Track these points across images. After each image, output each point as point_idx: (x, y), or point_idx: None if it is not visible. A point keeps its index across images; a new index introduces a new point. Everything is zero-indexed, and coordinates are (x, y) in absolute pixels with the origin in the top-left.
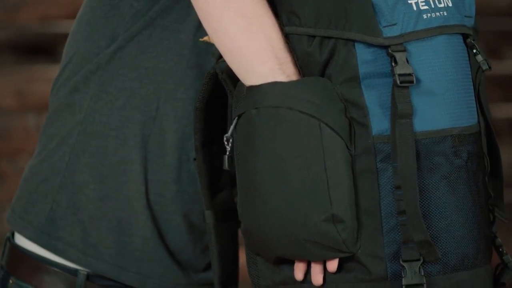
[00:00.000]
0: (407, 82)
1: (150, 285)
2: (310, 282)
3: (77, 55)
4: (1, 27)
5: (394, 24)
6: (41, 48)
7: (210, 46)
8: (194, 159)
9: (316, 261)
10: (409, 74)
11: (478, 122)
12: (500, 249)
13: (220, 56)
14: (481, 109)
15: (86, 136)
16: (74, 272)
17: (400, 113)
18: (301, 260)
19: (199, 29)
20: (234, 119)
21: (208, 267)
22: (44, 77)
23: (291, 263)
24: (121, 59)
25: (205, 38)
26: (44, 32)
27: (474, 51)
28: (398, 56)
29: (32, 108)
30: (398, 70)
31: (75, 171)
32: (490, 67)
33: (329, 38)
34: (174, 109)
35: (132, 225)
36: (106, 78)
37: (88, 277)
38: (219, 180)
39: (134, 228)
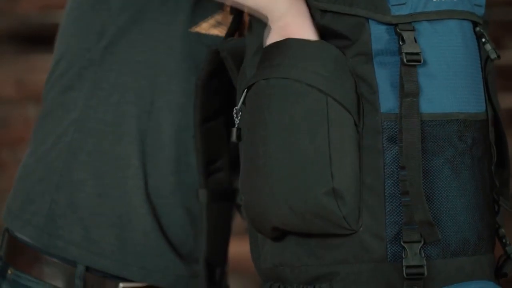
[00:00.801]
0: (414, 61)
1: (153, 279)
2: (308, 264)
3: (68, 51)
4: (2, 17)
5: (403, 4)
6: (42, 38)
7: (202, 37)
8: (193, 136)
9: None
10: (417, 53)
11: (486, 111)
12: (503, 240)
13: (228, 35)
14: (490, 99)
15: (82, 133)
16: (74, 263)
17: (407, 92)
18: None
19: (190, 20)
20: (243, 91)
21: None
22: (44, 67)
23: (290, 244)
24: (113, 54)
25: (196, 29)
26: (45, 22)
27: (483, 40)
28: (406, 34)
29: (32, 98)
30: (405, 48)
31: (72, 169)
32: (499, 56)
33: (343, 14)
34: (169, 102)
35: (132, 220)
36: (99, 74)
37: (88, 268)
38: (217, 160)
39: (134, 223)
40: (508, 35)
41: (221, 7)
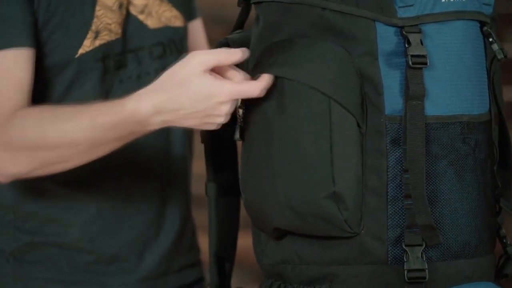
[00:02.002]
0: (420, 64)
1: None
2: (308, 263)
3: None
4: None
5: (411, 5)
6: None
7: (92, 53)
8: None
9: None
10: (423, 56)
11: (490, 111)
12: (504, 240)
13: (235, 28)
14: (495, 99)
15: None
16: None
17: (412, 95)
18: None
19: (72, 47)
20: None
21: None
22: None
23: (291, 243)
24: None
25: (81, 51)
26: None
27: (490, 39)
28: (412, 37)
29: None
30: (411, 51)
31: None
32: (505, 56)
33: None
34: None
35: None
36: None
37: None
38: (223, 154)
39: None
40: (508, 29)
41: (91, 15)
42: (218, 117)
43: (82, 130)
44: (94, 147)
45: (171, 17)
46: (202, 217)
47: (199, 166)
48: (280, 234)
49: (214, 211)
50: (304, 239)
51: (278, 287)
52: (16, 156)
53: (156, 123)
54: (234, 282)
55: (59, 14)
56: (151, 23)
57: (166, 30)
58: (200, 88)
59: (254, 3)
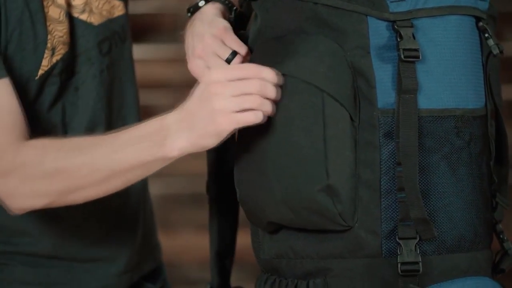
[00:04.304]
0: (412, 57)
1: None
2: (303, 257)
3: None
4: None
5: (403, 0)
6: None
7: (52, 75)
8: None
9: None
10: (415, 50)
11: (486, 106)
12: (501, 236)
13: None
14: (491, 94)
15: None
16: None
17: (405, 88)
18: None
19: (31, 70)
20: None
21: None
22: None
23: (286, 238)
24: None
25: (36, 74)
26: None
27: (486, 35)
28: (404, 31)
29: None
30: (403, 45)
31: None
32: (501, 52)
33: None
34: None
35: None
36: None
37: None
38: (225, 152)
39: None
40: (508, 27)
41: (45, 33)
42: (222, 100)
43: (106, 153)
44: (113, 174)
45: (110, 8)
46: (202, 215)
47: (199, 165)
48: (275, 228)
49: (215, 210)
50: (298, 233)
51: (273, 282)
52: (34, 187)
53: (175, 130)
54: (234, 281)
55: (15, 39)
56: (94, 20)
57: (109, 23)
58: (197, 88)
59: (253, 0)
